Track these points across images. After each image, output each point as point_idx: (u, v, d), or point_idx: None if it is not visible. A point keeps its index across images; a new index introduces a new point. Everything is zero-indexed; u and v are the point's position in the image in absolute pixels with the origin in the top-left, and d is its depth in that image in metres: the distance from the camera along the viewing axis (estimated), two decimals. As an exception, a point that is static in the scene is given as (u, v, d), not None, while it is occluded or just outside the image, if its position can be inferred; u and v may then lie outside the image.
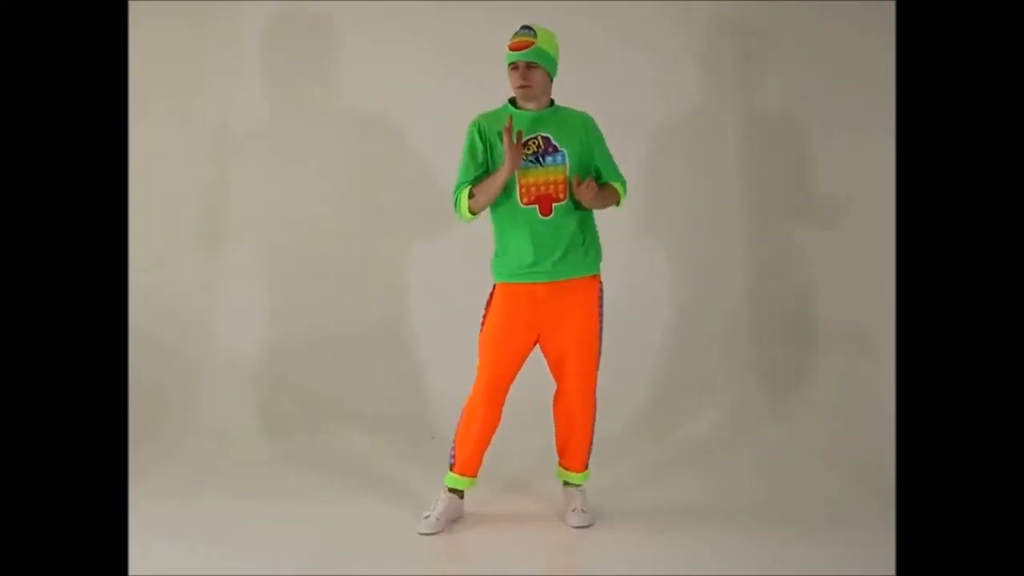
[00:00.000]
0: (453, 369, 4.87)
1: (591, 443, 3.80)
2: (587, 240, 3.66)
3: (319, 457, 4.48)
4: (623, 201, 3.76)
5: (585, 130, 3.65)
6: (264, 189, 4.99)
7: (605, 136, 3.70)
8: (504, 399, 3.68)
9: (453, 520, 3.73)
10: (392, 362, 4.94)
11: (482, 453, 3.72)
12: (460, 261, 4.92)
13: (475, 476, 3.77)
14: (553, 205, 3.59)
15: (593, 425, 3.78)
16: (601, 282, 3.72)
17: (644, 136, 4.89)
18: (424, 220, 4.96)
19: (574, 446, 3.80)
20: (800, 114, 4.88)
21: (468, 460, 3.72)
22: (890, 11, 3.57)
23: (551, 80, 3.63)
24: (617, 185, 3.71)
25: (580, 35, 4.76)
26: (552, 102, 3.67)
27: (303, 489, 4.11)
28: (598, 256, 3.71)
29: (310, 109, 4.97)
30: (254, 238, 4.99)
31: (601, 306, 3.70)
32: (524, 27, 3.58)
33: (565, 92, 3.73)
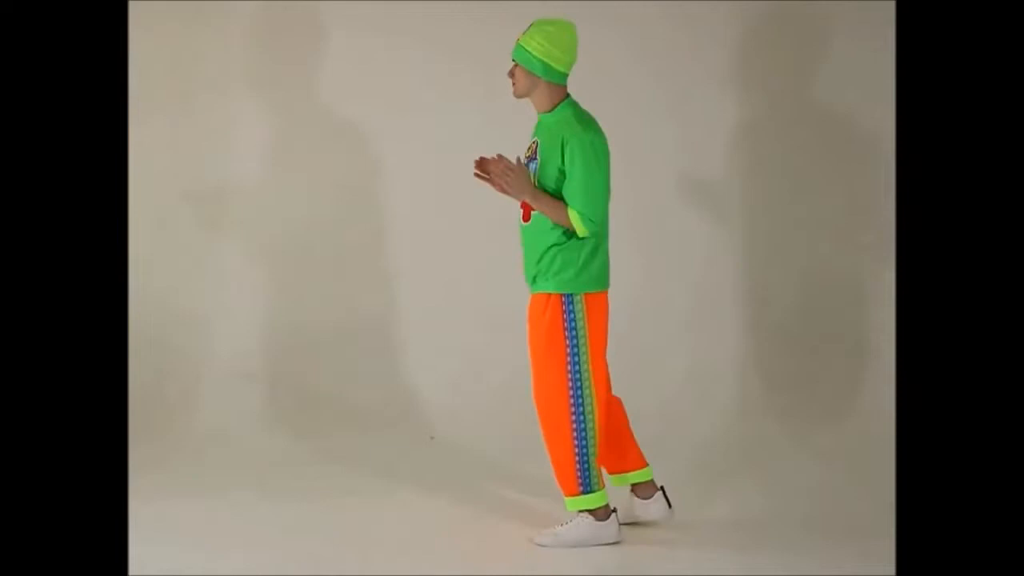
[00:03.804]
0: (454, 368, 4.89)
1: (572, 466, 3.49)
2: (558, 256, 3.45)
3: (320, 457, 4.48)
4: (581, 229, 3.40)
5: (557, 142, 3.42)
6: (263, 188, 4.99)
7: (609, 141, 3.63)
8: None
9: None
10: (393, 362, 4.94)
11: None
12: (460, 260, 4.93)
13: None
14: (531, 212, 3.49)
15: (571, 448, 3.48)
16: (564, 300, 3.46)
17: (644, 136, 4.88)
18: (425, 218, 4.95)
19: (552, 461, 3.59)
20: (800, 115, 4.87)
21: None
22: (890, 11, 3.57)
23: (539, 78, 3.44)
24: (572, 212, 3.40)
25: (580, 36, 4.76)
26: (558, 104, 3.47)
27: (303, 489, 4.11)
28: (562, 274, 3.44)
29: (309, 108, 4.97)
30: (254, 237, 4.99)
31: (566, 328, 3.45)
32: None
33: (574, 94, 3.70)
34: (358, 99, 4.95)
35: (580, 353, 3.48)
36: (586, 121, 3.47)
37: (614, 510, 3.55)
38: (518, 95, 3.51)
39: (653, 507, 3.69)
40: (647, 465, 3.71)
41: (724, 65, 4.89)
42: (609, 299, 3.58)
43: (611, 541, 3.54)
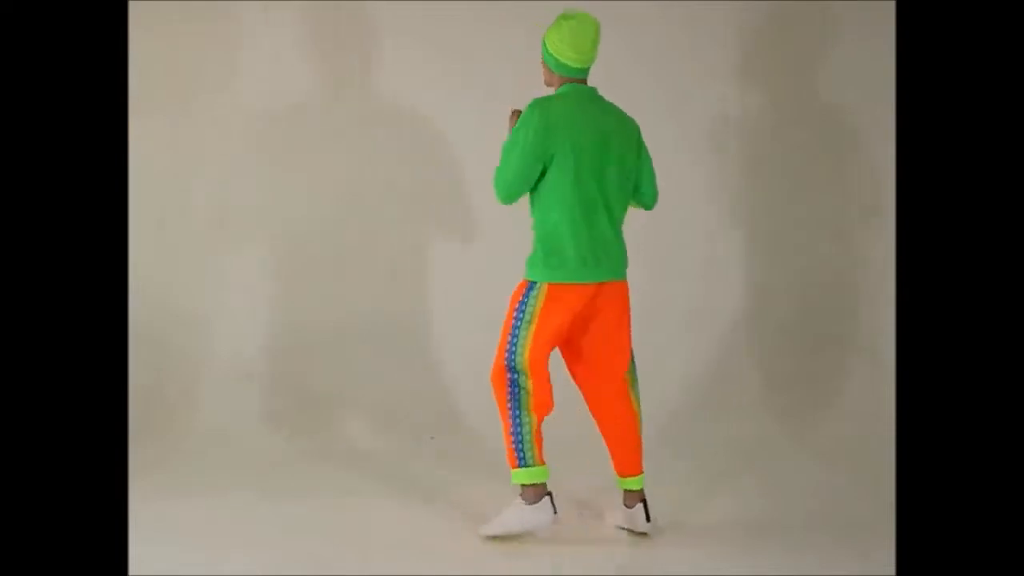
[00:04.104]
0: (454, 368, 4.89)
1: (509, 439, 3.57)
2: (532, 243, 3.56)
3: (320, 457, 4.48)
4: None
5: None
6: (264, 188, 4.99)
7: None
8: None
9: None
10: (393, 362, 4.94)
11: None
12: (461, 260, 4.94)
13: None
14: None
15: (507, 421, 3.57)
16: (527, 286, 3.52)
17: (645, 136, 4.88)
18: (425, 218, 4.95)
19: None
20: (800, 115, 4.88)
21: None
22: (890, 11, 3.57)
23: (552, 71, 3.54)
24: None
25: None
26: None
27: (304, 489, 4.11)
28: (530, 260, 3.53)
29: (309, 108, 4.97)
30: (254, 237, 4.99)
31: (516, 310, 3.53)
32: None
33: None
34: (358, 99, 4.96)
35: (520, 335, 3.53)
36: (552, 98, 3.51)
37: (548, 493, 3.56)
38: (545, 84, 3.61)
39: (631, 515, 3.67)
40: (639, 474, 3.68)
41: (724, 65, 4.89)
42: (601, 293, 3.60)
43: (540, 528, 3.56)
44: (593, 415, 3.71)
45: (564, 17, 3.51)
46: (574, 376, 3.69)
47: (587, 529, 3.72)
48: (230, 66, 4.93)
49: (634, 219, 4.86)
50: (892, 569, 2.72)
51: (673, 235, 4.95)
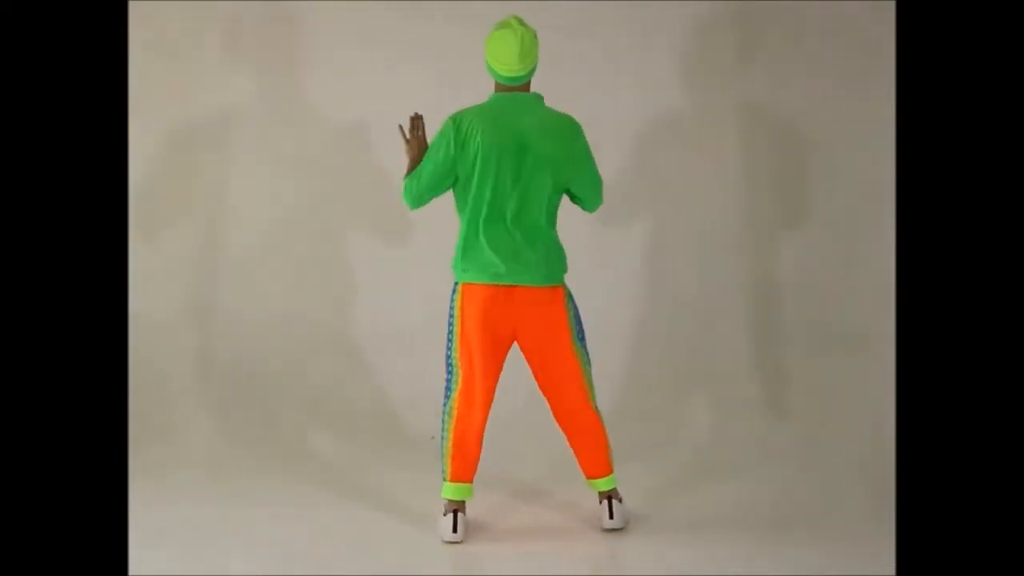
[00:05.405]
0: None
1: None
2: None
3: (320, 457, 4.48)
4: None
5: None
6: (263, 190, 4.99)
7: (602, 135, 3.66)
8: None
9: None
10: (394, 362, 4.94)
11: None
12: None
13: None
14: None
15: (440, 432, 3.70)
16: (454, 290, 3.64)
17: (641, 135, 4.88)
18: (426, 218, 4.95)
19: None
20: (798, 114, 4.87)
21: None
22: (890, 11, 3.57)
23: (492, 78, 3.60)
24: None
25: (573, 34, 4.76)
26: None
27: (304, 490, 4.11)
28: (453, 259, 3.63)
29: (310, 108, 4.97)
30: (255, 239, 4.99)
31: (448, 315, 3.65)
32: None
33: (556, 91, 3.72)
34: (358, 100, 4.95)
35: (452, 340, 3.63)
36: (467, 109, 3.57)
37: (455, 511, 3.60)
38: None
39: (600, 513, 3.70)
40: (606, 475, 3.69)
41: (724, 65, 4.89)
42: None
43: (442, 538, 3.60)
44: (556, 420, 3.71)
45: (497, 25, 3.52)
46: (538, 385, 3.69)
47: (586, 529, 3.72)
48: (230, 67, 4.93)
49: (634, 219, 4.87)
50: (892, 569, 2.72)
51: (672, 235, 4.94)
